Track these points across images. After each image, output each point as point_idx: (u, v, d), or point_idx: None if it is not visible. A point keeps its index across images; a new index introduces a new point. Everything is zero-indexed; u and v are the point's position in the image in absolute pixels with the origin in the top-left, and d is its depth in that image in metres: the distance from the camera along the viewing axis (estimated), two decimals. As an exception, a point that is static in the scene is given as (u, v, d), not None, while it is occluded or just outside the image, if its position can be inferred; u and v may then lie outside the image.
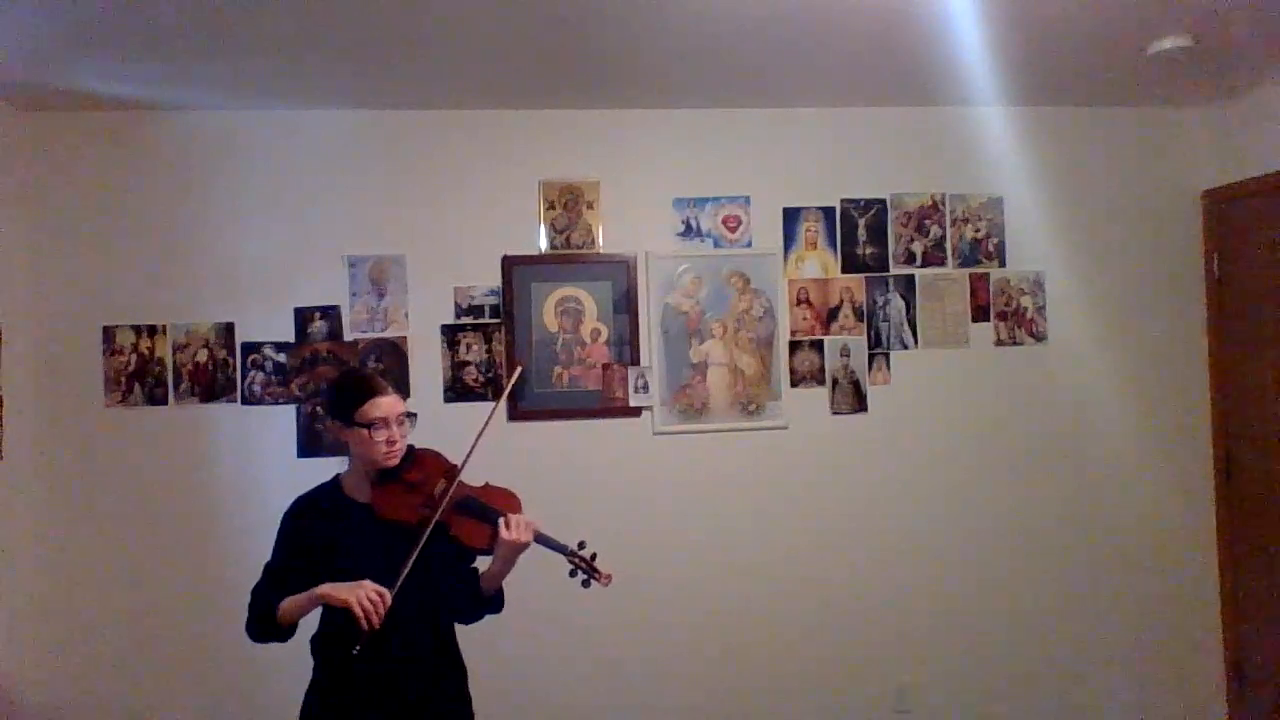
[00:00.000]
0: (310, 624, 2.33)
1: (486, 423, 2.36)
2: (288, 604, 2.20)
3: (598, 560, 2.33)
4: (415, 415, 2.33)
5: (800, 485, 3.88)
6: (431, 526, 2.20)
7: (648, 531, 3.77)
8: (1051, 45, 3.23)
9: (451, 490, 2.26)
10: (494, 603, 2.40)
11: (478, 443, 2.32)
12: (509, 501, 2.35)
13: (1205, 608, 4.07)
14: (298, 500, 2.35)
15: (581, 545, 2.34)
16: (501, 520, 2.25)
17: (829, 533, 3.89)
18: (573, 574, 2.33)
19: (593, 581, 2.31)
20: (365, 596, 2.08)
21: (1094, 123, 4.04)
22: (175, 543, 3.58)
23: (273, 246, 3.66)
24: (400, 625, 2.23)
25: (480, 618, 2.41)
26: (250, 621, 2.28)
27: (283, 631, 2.25)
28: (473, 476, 2.35)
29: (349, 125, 3.70)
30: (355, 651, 2.11)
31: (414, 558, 2.17)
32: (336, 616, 2.19)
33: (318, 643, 2.33)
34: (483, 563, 2.38)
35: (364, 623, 2.07)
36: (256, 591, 2.29)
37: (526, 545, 2.27)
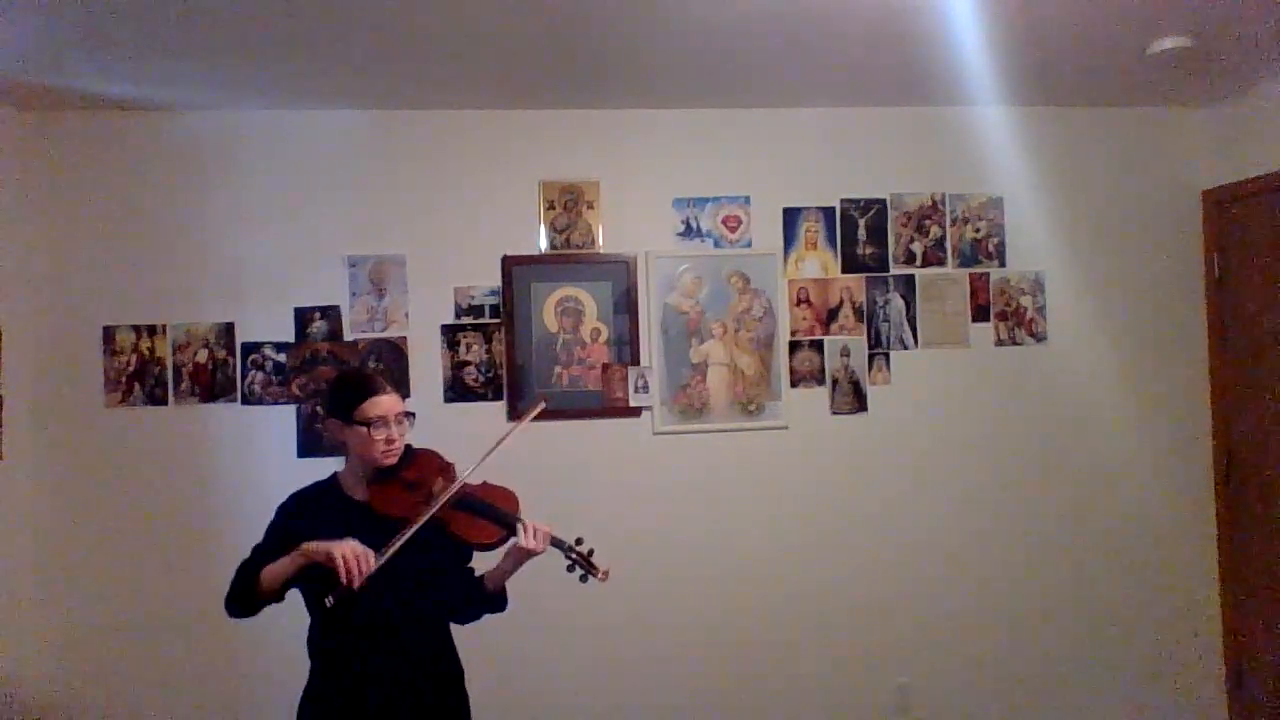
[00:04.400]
0: (306, 624, 2.33)
1: (501, 440, 2.37)
2: (270, 569, 2.17)
3: (594, 556, 2.34)
4: (414, 414, 2.34)
5: (800, 485, 3.88)
6: (427, 518, 2.20)
7: (648, 531, 3.77)
8: (1051, 45, 3.23)
9: (452, 488, 2.27)
10: (497, 601, 2.41)
11: (489, 455, 2.33)
12: (507, 499, 2.36)
13: (1205, 608, 4.08)
14: (294, 495, 2.35)
15: (579, 541, 2.35)
16: (521, 527, 2.29)
17: (829, 533, 3.89)
18: (570, 569, 2.34)
19: (590, 577, 2.33)
20: (349, 550, 2.06)
21: (1094, 123, 4.04)
22: (175, 542, 3.58)
23: (273, 246, 3.66)
24: (398, 625, 2.24)
25: (479, 617, 2.42)
26: (229, 593, 2.25)
27: (259, 601, 2.21)
28: (472, 474, 2.35)
29: (349, 125, 3.71)
30: (329, 602, 2.07)
31: (407, 536, 2.15)
32: (318, 612, 2.19)
33: (314, 644, 2.33)
34: (480, 561, 2.39)
35: (344, 575, 2.04)
36: (240, 566, 2.27)
37: (541, 552, 2.31)
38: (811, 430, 3.89)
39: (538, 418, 2.51)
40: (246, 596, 2.22)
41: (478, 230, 3.75)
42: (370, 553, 2.09)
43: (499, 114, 3.76)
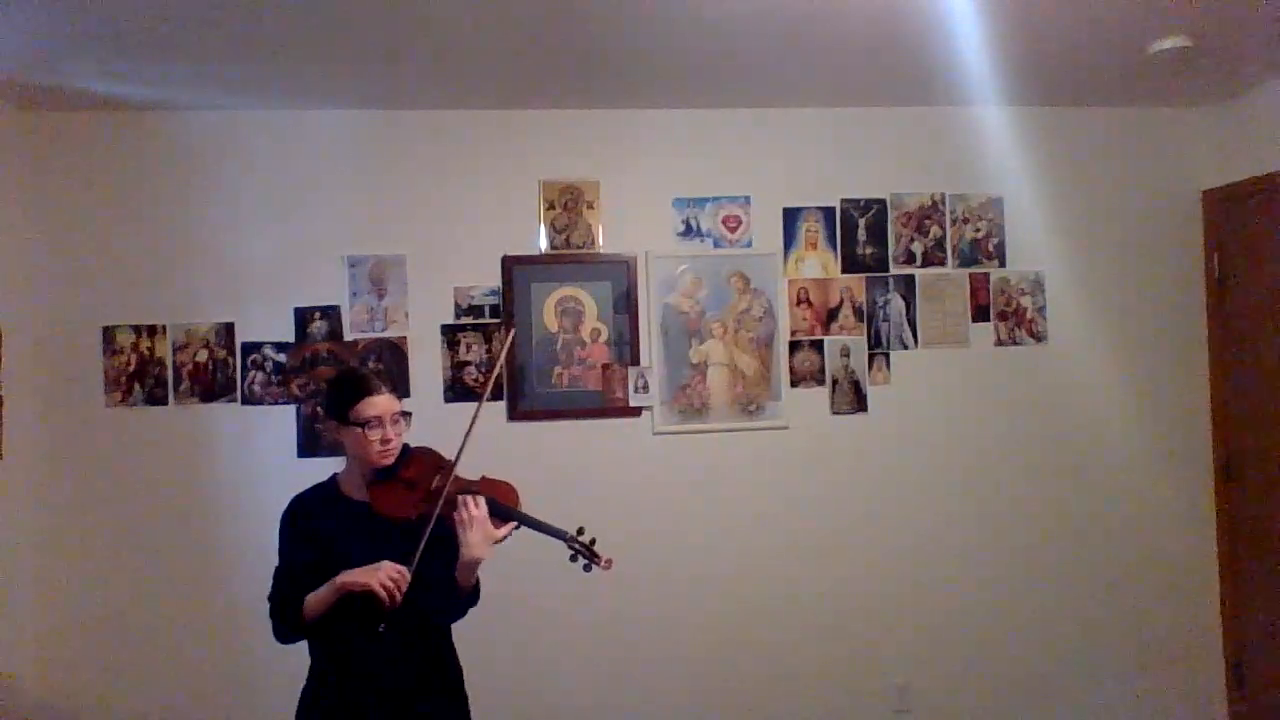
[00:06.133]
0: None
1: (480, 405, 2.37)
2: (310, 601, 2.21)
3: (597, 545, 2.34)
4: (410, 414, 2.33)
5: (800, 485, 3.88)
6: (434, 520, 2.21)
7: (648, 531, 3.77)
8: (1051, 45, 3.23)
9: (448, 484, 2.27)
10: (472, 596, 2.35)
11: (472, 428, 2.32)
12: (506, 492, 2.36)
13: (1205, 608, 4.07)
14: (295, 499, 2.35)
15: (580, 531, 2.35)
16: (460, 505, 2.23)
17: (829, 532, 3.89)
18: (573, 559, 2.34)
19: (593, 566, 2.32)
20: (386, 577, 2.12)
21: (1094, 123, 4.04)
22: (175, 542, 3.58)
23: (273, 246, 3.66)
24: (399, 624, 2.24)
25: (464, 613, 2.37)
26: (277, 627, 2.28)
27: (311, 629, 2.25)
28: (470, 469, 2.35)
29: (349, 125, 3.71)
30: (381, 629, 2.14)
31: (425, 541, 2.18)
32: (351, 603, 2.20)
33: (316, 642, 2.33)
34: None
35: (387, 601, 2.11)
36: (274, 598, 2.29)
37: (478, 517, 2.23)
38: (811, 430, 3.89)
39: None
40: (300, 628, 2.25)
41: (478, 230, 3.75)
42: (404, 569, 2.14)
43: (499, 114, 3.76)
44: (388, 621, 2.15)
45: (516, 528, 2.31)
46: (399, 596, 2.12)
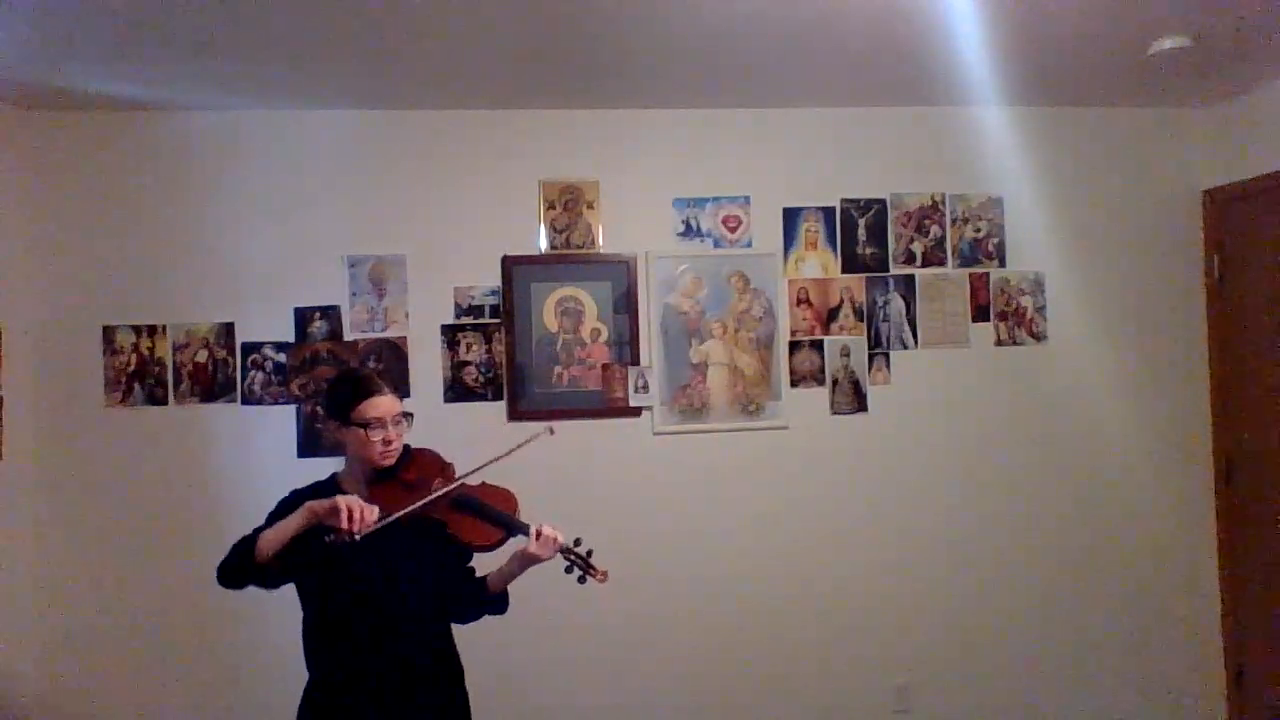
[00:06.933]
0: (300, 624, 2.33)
1: (505, 454, 2.36)
2: (271, 531, 2.16)
3: (593, 557, 2.34)
4: (412, 415, 2.33)
5: (800, 485, 3.88)
6: (431, 499, 2.22)
7: (648, 531, 3.77)
8: (1052, 45, 3.23)
9: (449, 487, 2.27)
10: (498, 603, 2.42)
11: (489, 464, 2.33)
12: (506, 500, 2.36)
13: (1205, 608, 4.07)
14: (295, 492, 2.34)
15: (578, 542, 2.35)
16: (532, 532, 2.28)
17: (828, 533, 3.89)
18: (569, 570, 2.34)
19: (588, 578, 2.32)
20: (355, 500, 2.08)
21: (1094, 123, 4.04)
22: (175, 543, 3.58)
23: (273, 246, 3.66)
24: (397, 624, 2.25)
25: (479, 617, 2.42)
26: (225, 561, 2.22)
27: (257, 568, 2.18)
28: (471, 474, 2.35)
29: (349, 125, 3.71)
30: (327, 540, 2.08)
31: (411, 508, 2.17)
32: (326, 611, 2.21)
33: (312, 644, 2.32)
34: (481, 561, 2.39)
35: (345, 520, 2.04)
36: (239, 541, 2.24)
37: (548, 559, 2.30)
38: (811, 430, 3.89)
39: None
40: (242, 565, 2.19)
41: (478, 230, 3.75)
42: (374, 508, 2.10)
43: (499, 114, 3.76)
44: (339, 541, 2.07)
45: (513, 536, 2.31)
46: (358, 523, 2.05)
